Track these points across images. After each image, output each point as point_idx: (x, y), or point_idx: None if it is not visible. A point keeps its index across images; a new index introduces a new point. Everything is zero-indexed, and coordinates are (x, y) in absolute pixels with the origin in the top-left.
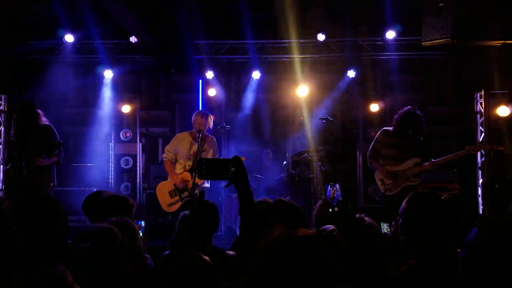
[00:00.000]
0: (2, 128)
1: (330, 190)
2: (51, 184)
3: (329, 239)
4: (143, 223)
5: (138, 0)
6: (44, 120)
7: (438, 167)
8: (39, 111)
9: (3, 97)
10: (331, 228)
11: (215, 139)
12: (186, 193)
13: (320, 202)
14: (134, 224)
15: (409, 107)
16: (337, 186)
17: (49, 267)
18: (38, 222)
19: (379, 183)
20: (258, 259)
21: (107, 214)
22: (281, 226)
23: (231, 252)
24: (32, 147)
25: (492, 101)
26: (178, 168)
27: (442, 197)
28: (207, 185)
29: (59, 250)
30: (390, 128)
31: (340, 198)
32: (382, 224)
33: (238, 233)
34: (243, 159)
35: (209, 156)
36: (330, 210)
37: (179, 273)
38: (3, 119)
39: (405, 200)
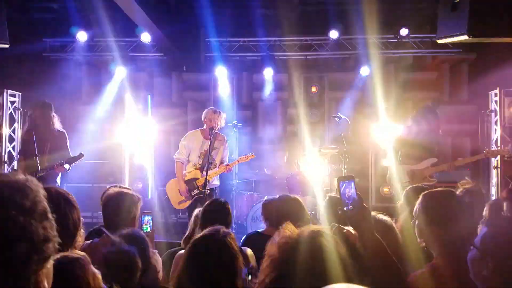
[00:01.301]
0: (17, 125)
1: (345, 187)
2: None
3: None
4: (150, 218)
5: None
6: (59, 126)
7: (455, 168)
8: (55, 115)
9: (17, 94)
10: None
11: (225, 138)
12: (196, 191)
13: (327, 199)
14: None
15: (426, 104)
16: (353, 184)
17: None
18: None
19: (394, 180)
20: (271, 258)
21: (110, 210)
22: (289, 224)
23: (247, 249)
24: (46, 153)
25: (507, 99)
26: (189, 166)
27: (457, 192)
28: (217, 182)
29: (69, 243)
30: (408, 127)
31: (355, 197)
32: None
33: (249, 230)
34: (252, 156)
35: (220, 153)
36: (345, 208)
37: (199, 243)
38: (18, 116)
39: (419, 201)
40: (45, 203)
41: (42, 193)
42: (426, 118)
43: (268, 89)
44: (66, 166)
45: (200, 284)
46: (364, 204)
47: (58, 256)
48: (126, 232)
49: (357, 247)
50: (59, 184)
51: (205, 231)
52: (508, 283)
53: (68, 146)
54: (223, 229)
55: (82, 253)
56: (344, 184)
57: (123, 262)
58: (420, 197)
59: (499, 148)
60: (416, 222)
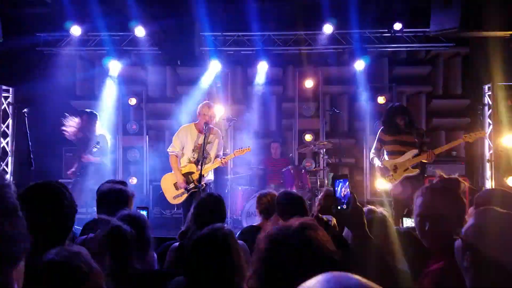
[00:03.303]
0: (10, 120)
1: (340, 186)
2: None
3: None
4: (146, 212)
5: None
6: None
7: (436, 157)
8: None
9: (10, 89)
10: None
11: (219, 131)
12: (191, 185)
13: (322, 194)
14: (143, 217)
15: (392, 103)
16: (347, 183)
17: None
18: (41, 209)
19: (379, 176)
20: (260, 251)
21: (104, 206)
22: (277, 217)
23: (240, 242)
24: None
25: (501, 93)
26: (184, 160)
27: (434, 183)
28: (211, 177)
29: (62, 237)
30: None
31: (349, 196)
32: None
33: (244, 225)
34: (248, 149)
35: (214, 147)
36: (339, 207)
37: (201, 240)
38: (11, 111)
39: (419, 194)
40: (14, 199)
41: (12, 188)
42: (399, 116)
43: (259, 79)
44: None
45: (200, 280)
46: (358, 203)
47: (56, 249)
48: (125, 213)
49: (342, 239)
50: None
51: (206, 229)
52: (485, 276)
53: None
54: (223, 227)
55: (81, 247)
56: (339, 183)
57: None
58: (421, 191)
59: (476, 133)
60: (418, 219)
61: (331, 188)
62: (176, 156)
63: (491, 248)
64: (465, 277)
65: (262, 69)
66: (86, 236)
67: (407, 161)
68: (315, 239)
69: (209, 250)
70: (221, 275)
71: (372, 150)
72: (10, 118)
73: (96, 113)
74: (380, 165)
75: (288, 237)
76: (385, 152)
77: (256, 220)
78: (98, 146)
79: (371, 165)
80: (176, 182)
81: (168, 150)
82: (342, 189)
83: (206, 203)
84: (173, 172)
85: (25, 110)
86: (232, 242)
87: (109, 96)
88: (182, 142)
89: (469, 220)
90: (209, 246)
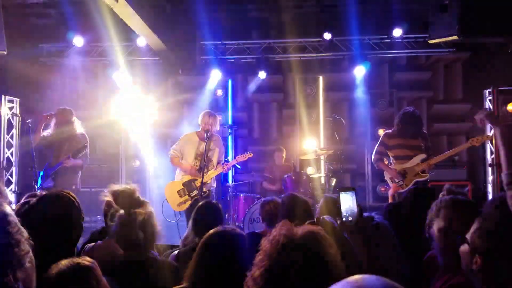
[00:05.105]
0: (14, 131)
1: (345, 199)
2: (73, 187)
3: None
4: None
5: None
6: (79, 128)
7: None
8: (76, 119)
9: (15, 100)
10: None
11: (220, 138)
12: (195, 192)
13: (322, 200)
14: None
15: (407, 108)
16: (354, 196)
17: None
18: (48, 220)
19: (389, 181)
20: (264, 252)
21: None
22: (287, 222)
23: None
24: (63, 154)
25: (501, 97)
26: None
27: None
28: (214, 184)
29: (69, 248)
30: (392, 130)
31: (355, 209)
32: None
33: (246, 231)
34: (250, 155)
35: (216, 154)
36: (344, 219)
37: (206, 243)
38: (15, 122)
39: (442, 206)
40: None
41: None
42: (409, 122)
43: (263, 91)
44: (77, 160)
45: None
46: (363, 217)
47: (66, 261)
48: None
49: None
50: (79, 189)
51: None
52: (499, 278)
53: (87, 146)
54: (230, 227)
55: (91, 260)
56: (345, 196)
57: None
58: (440, 200)
59: (483, 136)
60: (434, 230)
61: (331, 195)
62: (175, 156)
63: (499, 250)
64: (473, 280)
65: (263, 76)
66: (94, 243)
67: (416, 166)
68: (320, 247)
69: (214, 248)
70: (225, 277)
71: (374, 154)
72: (14, 129)
73: (70, 109)
74: (389, 171)
75: (294, 242)
76: (391, 157)
77: (259, 227)
78: (86, 149)
79: (378, 169)
80: (180, 189)
81: (168, 153)
82: (349, 202)
83: (204, 211)
84: (179, 169)
85: (29, 120)
86: (237, 244)
87: (115, 106)
88: (182, 150)
89: (475, 224)
90: (214, 244)
